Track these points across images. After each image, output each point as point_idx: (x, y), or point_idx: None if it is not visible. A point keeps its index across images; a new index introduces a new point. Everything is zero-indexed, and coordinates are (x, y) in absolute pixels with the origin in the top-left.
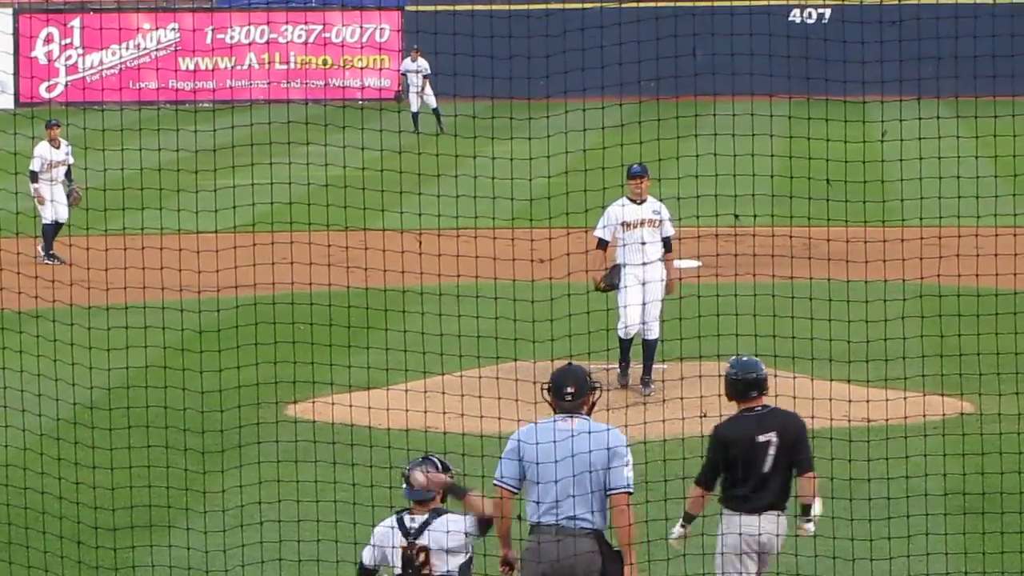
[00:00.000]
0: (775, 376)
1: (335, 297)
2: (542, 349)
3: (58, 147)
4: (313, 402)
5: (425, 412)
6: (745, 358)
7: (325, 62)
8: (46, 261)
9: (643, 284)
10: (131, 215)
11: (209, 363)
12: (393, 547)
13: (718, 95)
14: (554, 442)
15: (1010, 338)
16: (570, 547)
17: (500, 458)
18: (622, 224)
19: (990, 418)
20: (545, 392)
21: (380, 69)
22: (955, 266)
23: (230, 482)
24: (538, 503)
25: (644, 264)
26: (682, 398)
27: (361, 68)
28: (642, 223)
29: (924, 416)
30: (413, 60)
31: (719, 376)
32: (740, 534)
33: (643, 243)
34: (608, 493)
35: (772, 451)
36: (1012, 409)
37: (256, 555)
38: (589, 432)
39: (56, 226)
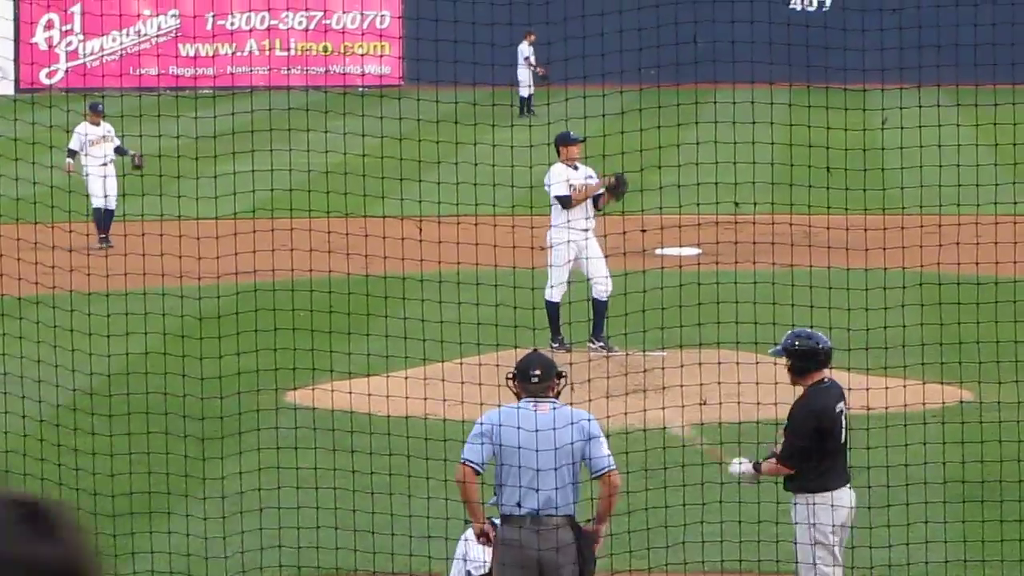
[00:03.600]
0: (775, 364)
1: (335, 284)
2: (542, 336)
3: (98, 125)
4: (313, 389)
5: (425, 399)
6: (809, 329)
7: (326, 48)
8: (99, 246)
9: (585, 242)
10: (131, 201)
11: (209, 350)
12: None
13: (718, 83)
14: (536, 430)
15: (1010, 326)
16: (550, 538)
17: (468, 440)
18: (570, 186)
19: (989, 406)
20: (509, 381)
21: (380, 56)
22: (955, 254)
23: (229, 469)
24: (513, 488)
25: (585, 230)
26: (682, 386)
27: (362, 55)
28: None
29: (924, 404)
30: (530, 44)
31: (718, 364)
32: (834, 507)
33: (584, 207)
34: (596, 476)
35: (844, 420)
36: (1012, 397)
37: (256, 542)
38: (563, 414)
39: (106, 212)
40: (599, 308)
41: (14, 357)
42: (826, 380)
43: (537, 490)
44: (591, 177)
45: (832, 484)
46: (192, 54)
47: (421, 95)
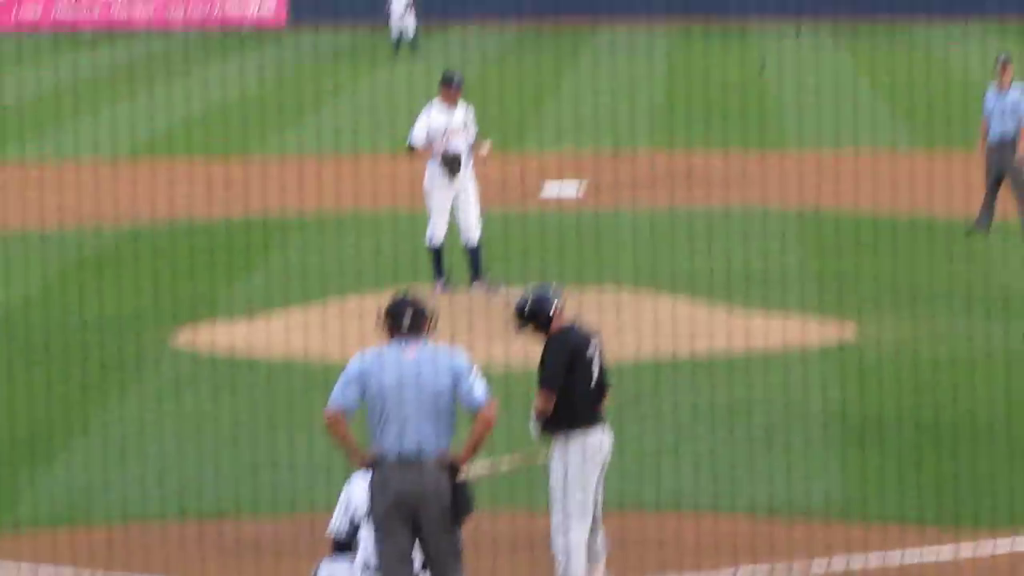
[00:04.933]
0: (658, 302)
1: (214, 227)
2: (425, 276)
3: None
4: (195, 332)
5: (305, 343)
6: (527, 290)
7: None
8: None
9: (462, 190)
10: (12, 144)
11: (90, 294)
12: None
13: (597, 20)
14: (403, 373)
15: (889, 263)
16: (418, 480)
17: (337, 385)
18: (444, 133)
19: (869, 344)
20: (381, 320)
21: None
22: (834, 191)
23: (112, 414)
24: (382, 432)
25: (463, 171)
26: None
27: None
28: (460, 131)
29: (803, 343)
30: None
31: (599, 302)
32: (587, 444)
33: (461, 152)
34: (476, 411)
35: (597, 363)
36: (891, 336)
37: (138, 487)
38: (432, 356)
39: None
40: (473, 254)
41: None
42: (574, 325)
43: (405, 434)
44: (470, 117)
45: (584, 423)
46: None
47: (302, 37)
